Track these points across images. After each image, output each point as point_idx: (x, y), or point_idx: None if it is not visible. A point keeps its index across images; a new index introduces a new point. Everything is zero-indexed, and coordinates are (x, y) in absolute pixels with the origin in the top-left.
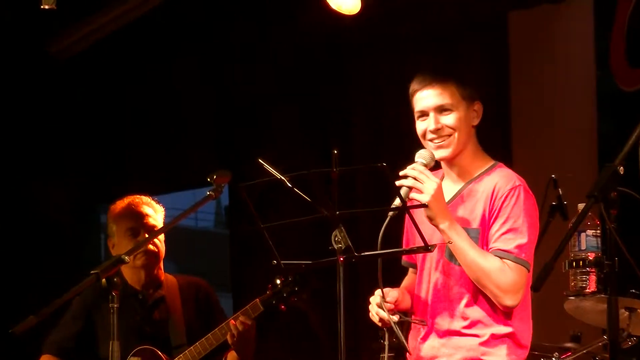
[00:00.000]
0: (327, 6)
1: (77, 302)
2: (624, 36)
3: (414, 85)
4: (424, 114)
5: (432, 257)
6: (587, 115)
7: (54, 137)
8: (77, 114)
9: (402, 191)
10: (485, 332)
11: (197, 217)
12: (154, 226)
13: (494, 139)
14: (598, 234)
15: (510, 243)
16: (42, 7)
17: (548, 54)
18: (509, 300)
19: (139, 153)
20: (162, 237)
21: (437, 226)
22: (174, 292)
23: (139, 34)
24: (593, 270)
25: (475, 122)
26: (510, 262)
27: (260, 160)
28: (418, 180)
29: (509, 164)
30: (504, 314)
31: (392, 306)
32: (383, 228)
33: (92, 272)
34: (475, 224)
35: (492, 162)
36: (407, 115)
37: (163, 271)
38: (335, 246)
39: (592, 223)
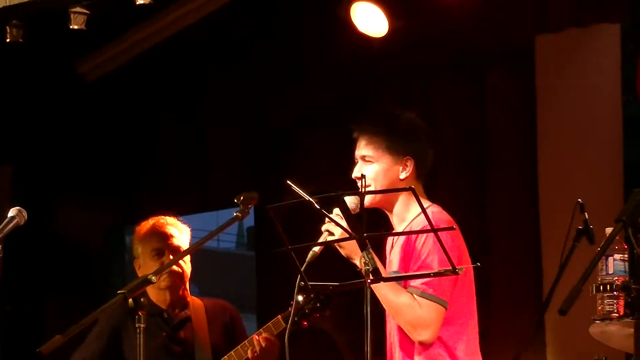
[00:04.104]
0: (356, 31)
1: (103, 321)
2: None
3: (352, 130)
4: (356, 160)
5: None
6: (614, 139)
7: (82, 157)
8: (105, 135)
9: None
10: None
11: (219, 239)
12: (178, 247)
13: (520, 163)
14: (625, 259)
15: (418, 280)
16: (71, 27)
17: (575, 78)
18: (418, 336)
19: (164, 174)
20: (187, 258)
21: (356, 266)
22: (201, 313)
23: (170, 53)
24: (620, 294)
25: (403, 176)
26: (418, 298)
27: (288, 182)
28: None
29: (535, 187)
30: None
31: None
32: (303, 268)
33: (119, 292)
34: (396, 266)
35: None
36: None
37: (189, 292)
38: (363, 268)
39: (620, 247)
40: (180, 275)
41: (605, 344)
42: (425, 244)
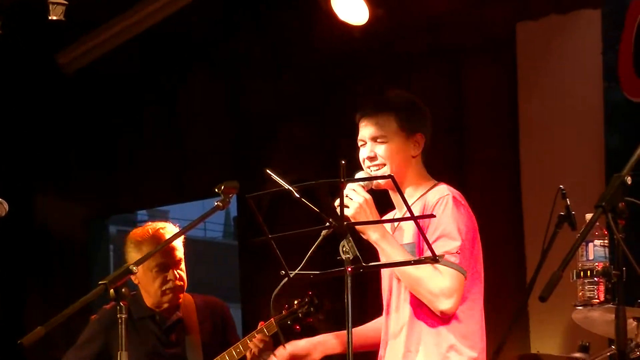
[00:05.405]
0: (337, 19)
1: (95, 323)
2: (632, 47)
3: (357, 115)
4: (363, 142)
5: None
6: (595, 125)
7: (62, 148)
8: (87, 126)
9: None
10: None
11: (205, 228)
12: (180, 260)
13: (502, 150)
14: (606, 244)
15: (439, 249)
16: (50, 18)
17: (556, 65)
18: (442, 305)
19: (148, 164)
20: (183, 266)
21: (368, 239)
22: (191, 312)
23: (149, 45)
24: (601, 280)
25: (415, 152)
26: (440, 267)
27: (267, 171)
28: (348, 197)
29: (517, 174)
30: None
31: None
32: (314, 247)
33: (100, 282)
34: (408, 238)
35: (432, 183)
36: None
37: None
38: (343, 256)
39: (600, 233)
40: (182, 288)
41: (589, 330)
42: (445, 212)
